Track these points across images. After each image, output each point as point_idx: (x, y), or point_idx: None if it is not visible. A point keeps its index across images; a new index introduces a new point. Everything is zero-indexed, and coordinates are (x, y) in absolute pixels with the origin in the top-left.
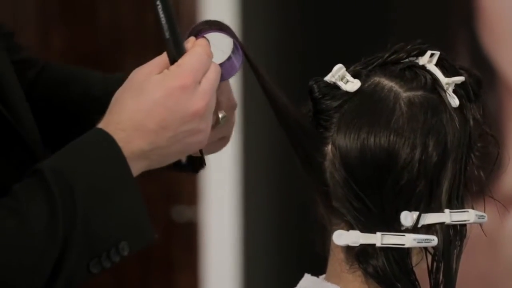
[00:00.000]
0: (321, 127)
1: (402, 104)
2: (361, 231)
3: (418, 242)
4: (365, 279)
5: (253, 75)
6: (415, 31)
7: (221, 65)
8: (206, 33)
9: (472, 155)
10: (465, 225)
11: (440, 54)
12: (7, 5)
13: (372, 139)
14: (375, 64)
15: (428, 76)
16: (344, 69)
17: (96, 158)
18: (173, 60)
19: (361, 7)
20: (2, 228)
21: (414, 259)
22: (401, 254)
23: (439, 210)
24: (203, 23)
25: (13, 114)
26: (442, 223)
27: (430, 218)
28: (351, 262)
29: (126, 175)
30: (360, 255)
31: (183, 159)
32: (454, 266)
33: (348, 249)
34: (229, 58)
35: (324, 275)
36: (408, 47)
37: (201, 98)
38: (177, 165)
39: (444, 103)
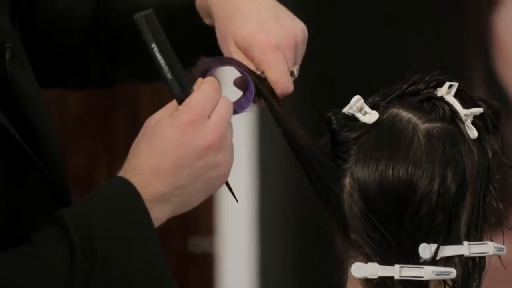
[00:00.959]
0: (339, 159)
1: (421, 136)
2: (379, 263)
3: (437, 275)
4: None
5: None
6: (432, 61)
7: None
8: (216, 69)
9: (491, 187)
10: (484, 257)
11: (459, 86)
12: None
13: (390, 171)
14: (393, 95)
15: (447, 108)
16: (362, 100)
17: (116, 205)
18: (180, 101)
19: (377, 38)
20: (22, 275)
21: None
22: (420, 286)
23: (458, 242)
24: (210, 60)
25: (41, 155)
26: (461, 256)
27: (448, 251)
28: None
29: (146, 224)
30: None
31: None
32: None
33: (367, 281)
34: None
35: None
36: (427, 78)
37: (212, 132)
38: None
39: (463, 134)
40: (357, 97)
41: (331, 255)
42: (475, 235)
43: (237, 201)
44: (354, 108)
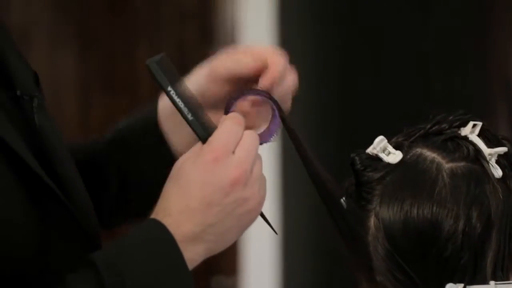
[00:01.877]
0: (363, 199)
1: (445, 175)
2: None
3: None
4: None
5: (292, 147)
6: (455, 101)
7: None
8: (241, 100)
9: None
10: None
11: (482, 125)
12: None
13: (415, 211)
14: (417, 135)
15: (471, 147)
16: (386, 140)
17: (148, 248)
18: (204, 140)
19: (401, 78)
20: None
21: None
22: None
23: (484, 281)
24: (235, 95)
25: (73, 201)
26: None
27: None
28: None
29: (180, 266)
30: None
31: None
32: None
33: None
34: None
35: None
36: (450, 117)
37: (237, 167)
38: None
39: (487, 174)
40: (381, 137)
41: None
42: (501, 275)
43: (276, 233)
44: (378, 148)
